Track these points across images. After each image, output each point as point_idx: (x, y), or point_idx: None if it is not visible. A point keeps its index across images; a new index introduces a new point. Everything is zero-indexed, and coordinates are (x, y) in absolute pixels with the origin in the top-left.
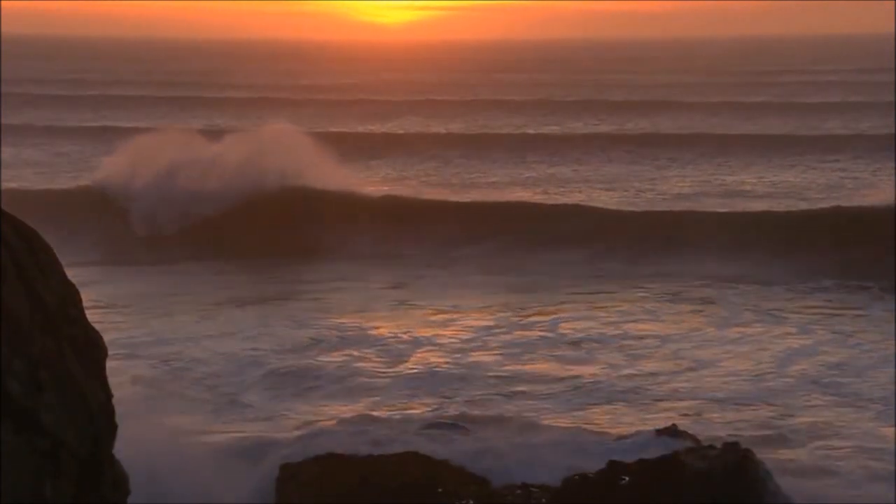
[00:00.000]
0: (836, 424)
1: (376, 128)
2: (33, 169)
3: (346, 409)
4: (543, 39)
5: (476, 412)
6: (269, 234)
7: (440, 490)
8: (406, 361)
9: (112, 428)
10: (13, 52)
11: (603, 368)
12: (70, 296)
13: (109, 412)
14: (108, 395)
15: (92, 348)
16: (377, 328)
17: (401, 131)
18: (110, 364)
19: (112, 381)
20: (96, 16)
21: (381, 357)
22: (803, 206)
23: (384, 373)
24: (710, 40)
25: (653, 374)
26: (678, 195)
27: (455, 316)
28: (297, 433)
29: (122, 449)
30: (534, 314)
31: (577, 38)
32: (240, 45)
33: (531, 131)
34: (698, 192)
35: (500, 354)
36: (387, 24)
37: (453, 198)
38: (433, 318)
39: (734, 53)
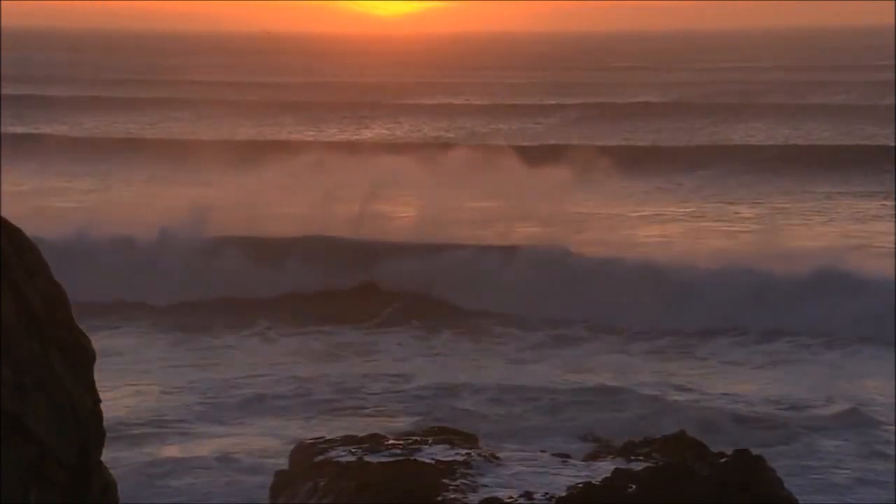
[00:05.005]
0: None
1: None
2: None
3: (346, 416)
4: (541, 34)
5: (477, 420)
6: None
7: (439, 498)
8: (411, 376)
9: (100, 434)
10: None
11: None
12: (57, 298)
13: (97, 418)
14: (96, 401)
15: (80, 353)
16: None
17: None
18: None
19: None
20: (81, 10)
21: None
22: None
23: (388, 388)
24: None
25: None
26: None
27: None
28: (293, 441)
29: None
30: None
31: (576, 32)
32: (235, 39)
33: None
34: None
35: (499, 366)
36: (384, 16)
37: None
38: (443, 335)
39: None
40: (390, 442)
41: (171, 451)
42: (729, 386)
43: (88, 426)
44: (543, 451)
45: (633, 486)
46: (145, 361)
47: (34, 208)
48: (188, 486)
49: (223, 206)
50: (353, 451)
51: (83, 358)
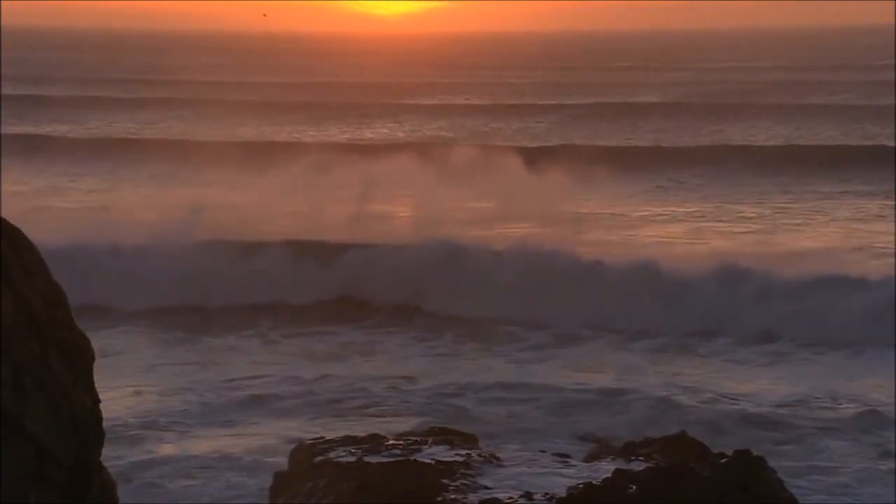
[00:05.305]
0: None
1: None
2: None
3: (347, 420)
4: (541, 34)
5: (477, 420)
6: None
7: (439, 499)
8: (411, 376)
9: (99, 434)
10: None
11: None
12: (57, 298)
13: (97, 418)
14: (96, 401)
15: (79, 352)
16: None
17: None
18: None
19: None
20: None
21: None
22: None
23: (388, 389)
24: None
25: None
26: None
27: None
28: (294, 441)
29: None
30: None
31: (576, 32)
32: (235, 39)
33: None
34: None
35: (499, 366)
36: (384, 16)
37: None
38: (444, 336)
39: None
40: (390, 442)
41: (171, 451)
42: (731, 386)
43: (88, 426)
44: (544, 452)
45: (634, 487)
46: (145, 361)
47: (34, 209)
48: (187, 487)
49: (222, 208)
50: (353, 451)
51: (82, 358)
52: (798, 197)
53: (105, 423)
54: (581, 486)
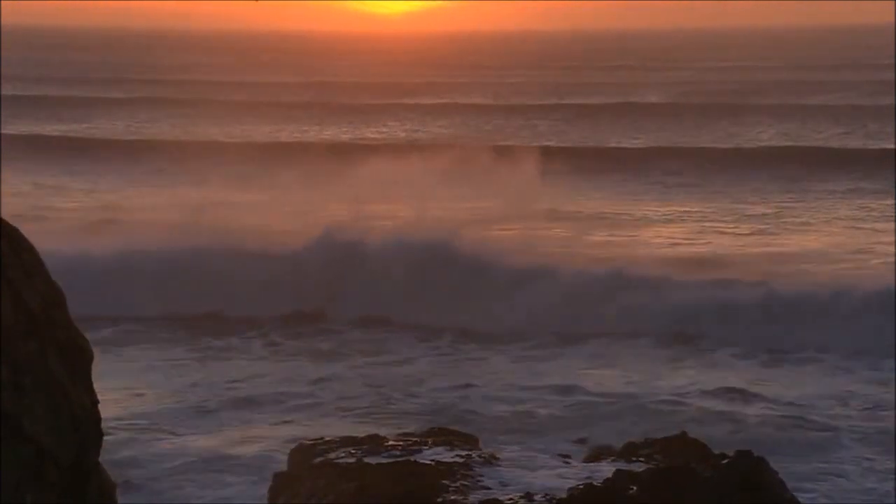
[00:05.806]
0: None
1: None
2: None
3: (346, 417)
4: (542, 33)
5: (478, 420)
6: None
7: (439, 500)
8: (413, 377)
9: (98, 435)
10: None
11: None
12: (55, 298)
13: (95, 419)
14: (94, 402)
15: (78, 353)
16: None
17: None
18: None
19: None
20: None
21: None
22: None
23: (388, 389)
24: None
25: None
26: None
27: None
28: (293, 441)
29: None
30: None
31: (576, 32)
32: (236, 39)
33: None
34: None
35: (504, 368)
36: (384, 15)
37: None
38: (446, 336)
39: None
40: (390, 443)
41: (170, 451)
42: (733, 387)
43: (87, 427)
44: (544, 453)
45: (634, 488)
46: (144, 362)
47: (33, 209)
48: (187, 488)
49: (222, 210)
50: (353, 452)
51: (82, 358)
52: (799, 196)
53: (104, 424)
54: (581, 486)
